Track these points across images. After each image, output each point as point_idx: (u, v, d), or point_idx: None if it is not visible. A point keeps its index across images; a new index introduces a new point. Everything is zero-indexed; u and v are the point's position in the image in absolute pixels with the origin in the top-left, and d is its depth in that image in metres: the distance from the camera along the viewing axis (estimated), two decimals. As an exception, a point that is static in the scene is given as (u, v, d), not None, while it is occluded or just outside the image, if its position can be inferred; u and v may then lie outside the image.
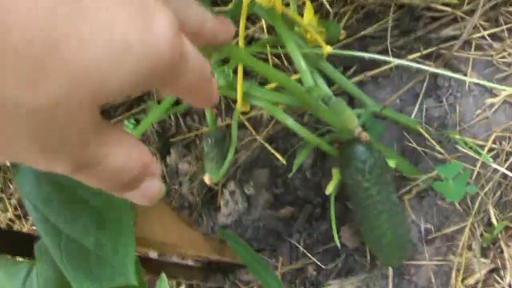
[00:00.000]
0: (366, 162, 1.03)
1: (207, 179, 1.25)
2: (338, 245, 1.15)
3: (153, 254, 1.40)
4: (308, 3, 1.19)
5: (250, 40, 1.43)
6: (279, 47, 1.34)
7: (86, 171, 0.36)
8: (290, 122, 1.04)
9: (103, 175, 0.37)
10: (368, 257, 1.29)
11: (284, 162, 1.36)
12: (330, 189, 1.14)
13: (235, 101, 1.09)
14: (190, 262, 1.37)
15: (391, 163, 1.09)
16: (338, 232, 1.29)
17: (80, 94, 0.31)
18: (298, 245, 1.33)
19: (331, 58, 1.29)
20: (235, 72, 1.05)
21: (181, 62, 0.37)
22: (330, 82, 1.22)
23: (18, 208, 1.58)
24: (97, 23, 0.30)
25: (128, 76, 0.33)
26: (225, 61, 1.07)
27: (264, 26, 1.39)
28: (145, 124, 0.99)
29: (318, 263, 1.31)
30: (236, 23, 1.01)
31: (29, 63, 0.28)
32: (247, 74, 1.36)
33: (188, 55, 0.38)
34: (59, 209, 0.47)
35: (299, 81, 1.10)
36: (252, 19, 1.42)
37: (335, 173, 1.13)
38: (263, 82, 1.33)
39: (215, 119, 1.38)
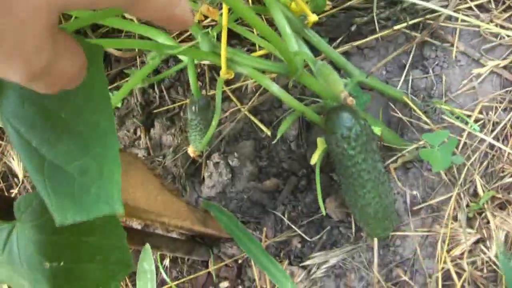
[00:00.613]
0: (351, 129, 1.02)
1: (190, 151, 1.24)
2: (324, 213, 1.14)
3: (137, 226, 1.39)
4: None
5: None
6: (263, 16, 1.33)
7: (38, 81, 0.38)
8: (275, 88, 1.03)
9: (51, 82, 0.39)
10: (353, 228, 1.28)
11: (269, 133, 1.35)
12: (315, 158, 1.13)
13: (219, 73, 1.08)
14: (174, 235, 1.36)
15: (377, 130, 1.08)
16: (323, 204, 1.28)
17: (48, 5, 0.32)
18: (283, 217, 1.31)
19: (316, 29, 1.28)
20: (218, 38, 1.03)
21: None
22: (315, 52, 1.20)
23: (1, 181, 1.56)
24: None
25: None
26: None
27: (250, -2, 1.38)
28: (125, 89, 0.97)
29: (303, 235, 1.30)
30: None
31: None
32: (231, 45, 1.35)
33: None
34: (42, 133, 0.46)
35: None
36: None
37: (320, 142, 1.12)
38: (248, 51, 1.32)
39: (199, 89, 1.37)
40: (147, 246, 1.03)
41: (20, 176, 1.53)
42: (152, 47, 0.98)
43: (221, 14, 1.00)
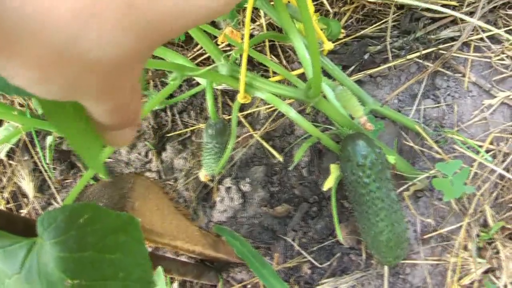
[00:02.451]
0: (367, 157, 1.03)
1: (202, 175, 1.25)
2: (340, 238, 1.15)
3: (148, 249, 1.39)
4: (309, 0, 1.19)
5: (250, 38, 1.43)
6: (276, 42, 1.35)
7: (114, 112, 0.41)
8: (293, 114, 1.04)
9: (120, 116, 0.42)
10: (364, 255, 1.28)
11: (281, 159, 1.36)
12: (329, 184, 1.13)
13: (232, 99, 1.09)
14: (184, 259, 1.36)
15: (391, 159, 1.09)
16: (333, 231, 1.29)
17: (148, 41, 0.35)
18: (293, 243, 1.32)
19: (330, 57, 1.30)
20: (237, 63, 1.05)
21: None
22: (330, 79, 1.22)
23: (11, 201, 1.56)
24: None
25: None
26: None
27: (264, 24, 1.39)
28: (146, 109, 0.98)
29: (313, 261, 1.30)
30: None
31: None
32: (248, 70, 1.36)
33: None
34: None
35: (298, 76, 1.10)
36: (252, 17, 1.42)
37: (334, 168, 1.13)
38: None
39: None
40: (160, 269, 1.03)
41: (30, 196, 1.53)
42: (173, 68, 0.99)
43: (242, 38, 1.01)
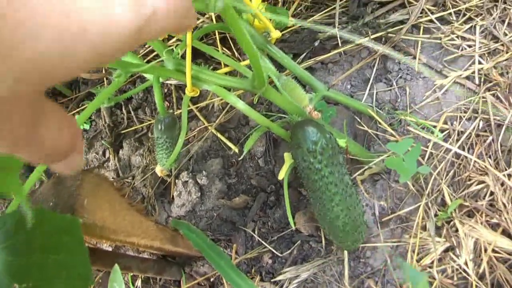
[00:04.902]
0: (317, 143, 1.02)
1: (158, 170, 1.24)
2: (293, 227, 1.14)
3: (108, 248, 1.38)
4: (256, -10, 1.19)
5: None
6: (227, 34, 1.34)
7: (24, 150, 0.39)
8: (241, 105, 1.03)
9: (38, 153, 0.41)
10: (324, 242, 1.28)
11: (237, 151, 1.35)
12: (282, 174, 1.13)
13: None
14: (145, 255, 1.35)
15: (342, 143, 1.09)
16: (292, 219, 1.28)
17: (24, 86, 0.33)
18: (253, 234, 1.32)
19: (280, 46, 1.29)
20: (183, 56, 1.04)
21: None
22: (280, 68, 1.21)
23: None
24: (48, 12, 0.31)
25: (82, 59, 0.34)
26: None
27: (213, 16, 1.38)
28: (90, 108, 0.97)
29: (274, 251, 1.30)
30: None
31: None
32: (197, 64, 1.36)
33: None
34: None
35: (248, 67, 1.09)
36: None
37: (287, 157, 1.12)
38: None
39: (167, 109, 1.37)
40: (116, 267, 1.03)
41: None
42: (117, 65, 0.98)
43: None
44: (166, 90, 1.46)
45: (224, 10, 1.04)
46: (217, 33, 1.39)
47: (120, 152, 1.47)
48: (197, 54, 1.33)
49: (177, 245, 1.22)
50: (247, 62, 1.25)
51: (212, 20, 1.39)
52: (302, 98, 1.01)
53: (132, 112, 1.48)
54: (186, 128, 1.12)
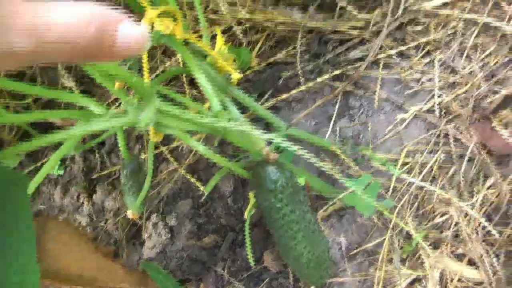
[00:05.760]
0: (277, 182, 1.04)
1: (130, 213, 1.26)
2: (252, 264, 1.16)
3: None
4: (218, 33, 1.21)
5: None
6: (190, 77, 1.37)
7: (41, 41, 0.40)
8: (201, 148, 1.05)
9: (58, 41, 0.41)
10: (291, 279, 1.29)
11: (206, 191, 1.37)
12: (247, 213, 1.15)
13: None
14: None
15: (301, 181, 1.11)
16: (260, 257, 1.30)
17: None
18: (223, 273, 1.33)
19: (245, 86, 1.32)
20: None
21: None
22: (243, 109, 1.24)
23: None
24: None
25: None
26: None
27: (180, 60, 1.41)
28: (53, 159, 0.99)
29: (244, 289, 1.31)
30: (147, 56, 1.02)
31: None
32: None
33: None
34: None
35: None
36: (168, 53, 1.45)
37: (251, 196, 1.14)
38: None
39: (137, 153, 1.39)
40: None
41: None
42: (79, 115, 1.00)
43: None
44: (137, 133, 1.48)
45: (184, 55, 1.07)
46: (184, 76, 1.42)
47: (94, 196, 1.49)
48: (164, 96, 1.36)
49: (146, 287, 1.24)
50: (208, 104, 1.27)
51: (179, 63, 1.42)
52: (257, 142, 1.03)
53: (105, 156, 1.50)
54: (151, 173, 1.14)
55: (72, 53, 0.42)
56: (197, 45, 1.12)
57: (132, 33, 0.45)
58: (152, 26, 0.97)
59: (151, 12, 0.94)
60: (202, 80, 1.07)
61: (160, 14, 0.98)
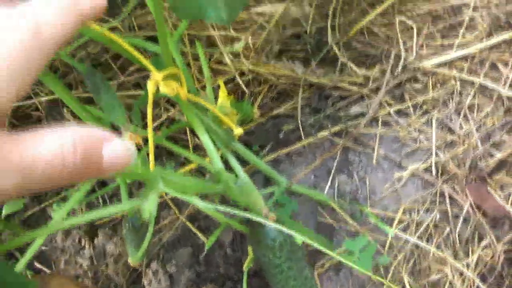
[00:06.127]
0: (276, 239, 1.07)
1: (131, 261, 1.28)
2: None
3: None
4: (222, 85, 1.24)
5: (172, 121, 1.47)
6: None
7: (29, 176, 0.41)
8: (201, 204, 1.08)
9: (44, 173, 0.42)
10: (288, 331, 1.31)
11: (206, 240, 1.39)
12: (248, 264, 1.17)
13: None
14: None
15: (299, 241, 1.13)
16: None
17: None
18: (221, 322, 1.35)
19: (247, 138, 1.35)
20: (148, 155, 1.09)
21: None
22: (244, 162, 1.26)
23: None
24: None
25: None
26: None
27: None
28: (62, 213, 1.02)
29: None
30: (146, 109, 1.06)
31: None
32: (171, 155, 1.41)
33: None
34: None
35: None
36: (172, 101, 1.47)
37: (250, 249, 1.17)
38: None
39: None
40: None
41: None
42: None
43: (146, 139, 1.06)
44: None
45: (187, 115, 1.10)
46: (188, 135, 1.45)
47: (96, 240, 1.51)
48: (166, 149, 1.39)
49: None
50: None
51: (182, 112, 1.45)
52: (258, 202, 1.06)
53: (108, 201, 1.52)
54: (152, 229, 1.16)
55: (59, 179, 0.43)
56: (197, 101, 1.15)
57: (118, 150, 0.47)
58: (158, 88, 1.00)
59: (157, 75, 0.96)
60: (204, 139, 1.10)
61: (165, 76, 1.01)
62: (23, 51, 0.42)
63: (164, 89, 1.01)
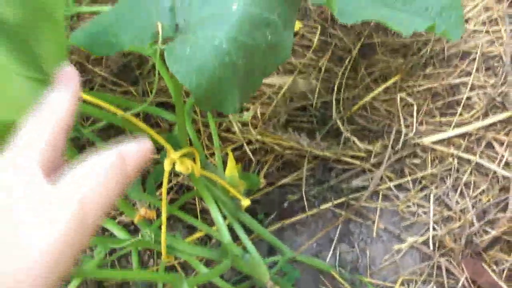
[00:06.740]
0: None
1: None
2: None
3: None
4: (230, 156, 1.30)
5: (180, 187, 1.52)
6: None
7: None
8: (207, 273, 1.14)
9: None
10: None
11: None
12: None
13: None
14: None
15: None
16: None
17: None
18: None
19: (253, 207, 1.40)
20: (159, 226, 1.15)
21: None
22: (250, 232, 1.32)
23: None
24: None
25: None
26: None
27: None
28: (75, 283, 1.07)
29: None
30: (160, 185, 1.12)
31: None
32: (180, 220, 1.46)
33: None
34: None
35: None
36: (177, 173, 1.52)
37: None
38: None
39: (147, 262, 1.46)
40: None
41: None
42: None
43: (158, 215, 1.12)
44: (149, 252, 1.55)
45: (198, 188, 1.16)
46: (196, 199, 1.50)
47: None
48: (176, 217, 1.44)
49: None
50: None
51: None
52: (263, 275, 1.11)
53: (117, 265, 1.56)
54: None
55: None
56: (208, 176, 1.21)
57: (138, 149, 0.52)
58: (174, 165, 1.06)
59: (174, 154, 1.02)
60: (213, 212, 1.17)
61: (182, 155, 1.07)
62: (68, 236, 0.44)
63: (179, 167, 1.08)
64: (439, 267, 1.34)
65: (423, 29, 1.13)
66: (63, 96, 0.52)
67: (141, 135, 0.57)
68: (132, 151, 0.52)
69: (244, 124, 1.50)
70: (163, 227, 1.11)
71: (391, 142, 1.43)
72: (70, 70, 0.55)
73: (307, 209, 1.43)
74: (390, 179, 1.42)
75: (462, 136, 1.43)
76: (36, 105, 0.51)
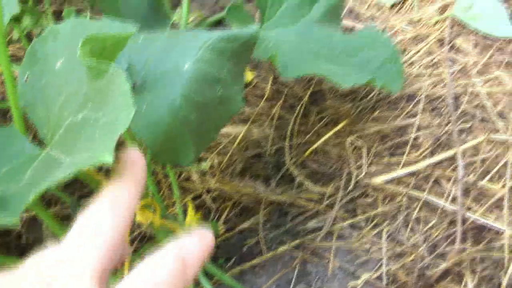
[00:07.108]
0: None
1: None
2: None
3: None
4: (190, 206, 1.36)
5: (143, 237, 1.57)
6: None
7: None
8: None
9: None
10: None
11: None
12: None
13: None
14: None
15: None
16: None
17: None
18: None
19: (214, 250, 1.45)
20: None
21: None
22: (210, 276, 1.37)
23: None
24: None
25: None
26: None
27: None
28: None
29: None
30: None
31: None
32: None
33: None
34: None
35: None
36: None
37: None
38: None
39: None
40: None
41: None
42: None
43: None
44: None
45: (157, 232, 1.21)
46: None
47: None
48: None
49: None
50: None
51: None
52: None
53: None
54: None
55: None
56: (168, 225, 1.25)
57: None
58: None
59: (132, 206, 1.07)
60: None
61: (141, 207, 1.12)
62: None
63: (139, 218, 1.13)
64: (393, 301, 1.39)
65: (363, 82, 1.20)
66: (129, 188, 0.48)
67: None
68: (194, 250, 0.47)
69: (203, 173, 1.55)
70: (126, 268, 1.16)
71: (343, 184, 1.49)
72: (135, 154, 0.51)
73: (265, 252, 1.48)
74: (344, 219, 1.48)
75: (411, 174, 1.50)
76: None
